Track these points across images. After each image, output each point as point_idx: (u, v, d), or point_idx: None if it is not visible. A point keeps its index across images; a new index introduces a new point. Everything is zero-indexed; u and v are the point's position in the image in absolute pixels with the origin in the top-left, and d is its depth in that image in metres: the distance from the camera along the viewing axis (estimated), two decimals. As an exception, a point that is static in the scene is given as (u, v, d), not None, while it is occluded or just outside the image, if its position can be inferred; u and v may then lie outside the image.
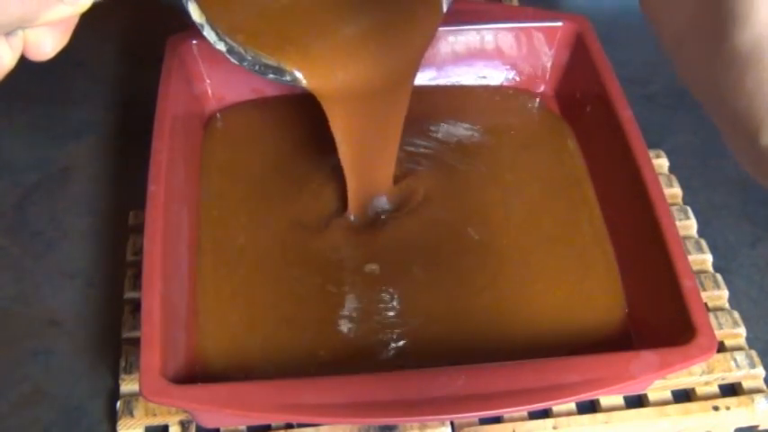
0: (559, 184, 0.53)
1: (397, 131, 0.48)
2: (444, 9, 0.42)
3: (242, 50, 0.39)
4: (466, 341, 0.46)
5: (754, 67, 0.21)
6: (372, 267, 0.47)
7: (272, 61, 0.40)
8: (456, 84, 0.60)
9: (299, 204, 0.52)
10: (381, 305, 0.47)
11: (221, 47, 0.39)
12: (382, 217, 0.51)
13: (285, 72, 0.40)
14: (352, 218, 0.51)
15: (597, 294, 0.48)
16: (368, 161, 0.49)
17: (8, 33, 0.27)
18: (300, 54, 0.41)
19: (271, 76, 0.40)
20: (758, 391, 0.47)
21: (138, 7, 0.67)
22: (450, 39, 0.58)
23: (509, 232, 0.51)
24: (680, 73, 0.25)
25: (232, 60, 0.40)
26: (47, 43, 0.29)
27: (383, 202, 0.51)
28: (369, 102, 0.45)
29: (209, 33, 0.39)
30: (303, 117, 0.56)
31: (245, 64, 0.40)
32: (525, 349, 0.44)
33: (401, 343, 0.46)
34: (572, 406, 0.46)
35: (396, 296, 0.48)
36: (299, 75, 0.40)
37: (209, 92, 0.57)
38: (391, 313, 0.47)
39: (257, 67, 0.40)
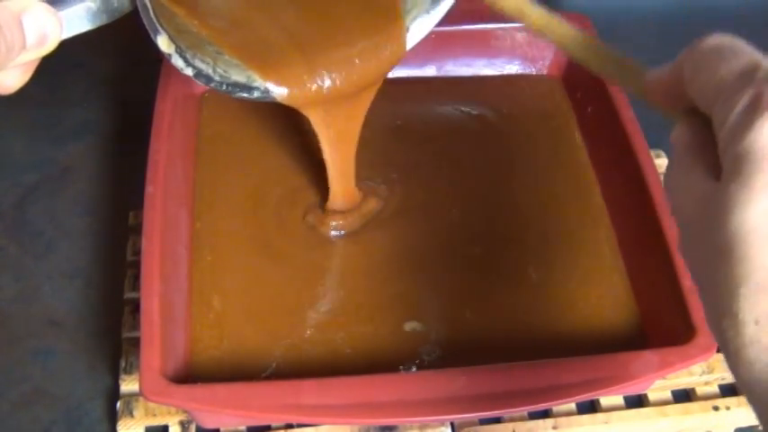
0: (571, 188, 0.53)
1: (355, 144, 0.48)
2: (408, 47, 0.42)
3: (210, 72, 0.40)
4: (486, 344, 0.46)
5: (732, 269, 0.24)
6: (414, 325, 0.47)
7: (241, 78, 0.40)
8: (456, 77, 0.60)
9: (295, 202, 0.52)
10: (392, 307, 0.47)
11: (189, 72, 0.40)
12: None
13: (253, 89, 0.40)
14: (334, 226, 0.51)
15: (612, 299, 0.48)
16: (348, 165, 0.49)
17: None
18: (277, 66, 0.41)
19: (239, 94, 0.40)
20: (758, 391, 0.47)
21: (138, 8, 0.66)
22: (449, 38, 0.58)
23: (528, 244, 0.50)
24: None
25: (199, 83, 0.40)
26: (10, 81, 0.30)
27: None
28: (337, 108, 0.45)
29: (176, 60, 0.40)
30: (300, 121, 0.56)
31: (213, 84, 0.40)
32: (545, 351, 0.44)
33: (419, 343, 0.46)
34: (572, 406, 0.46)
35: (414, 297, 0.48)
36: (275, 89, 0.40)
37: (208, 92, 0.57)
38: (404, 314, 0.47)
39: (225, 87, 0.40)
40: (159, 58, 0.53)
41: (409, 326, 0.46)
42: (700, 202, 0.25)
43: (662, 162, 0.57)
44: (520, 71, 0.60)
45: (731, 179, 0.24)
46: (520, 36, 0.59)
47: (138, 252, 0.45)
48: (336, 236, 0.50)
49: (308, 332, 0.46)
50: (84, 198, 0.56)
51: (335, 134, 0.46)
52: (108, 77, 0.64)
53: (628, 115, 0.51)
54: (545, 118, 0.58)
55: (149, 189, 0.46)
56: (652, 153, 0.50)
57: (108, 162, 0.58)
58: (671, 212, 0.28)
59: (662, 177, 0.49)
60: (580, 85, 0.58)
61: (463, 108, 0.58)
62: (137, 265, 0.44)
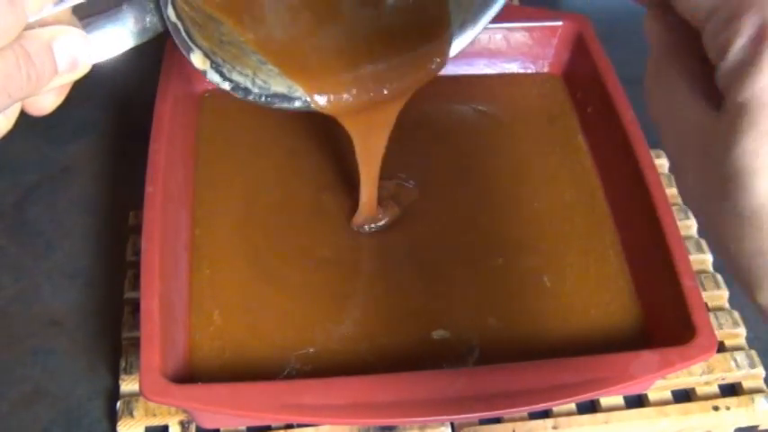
0: (578, 192, 0.53)
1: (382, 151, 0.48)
2: (450, 54, 0.42)
3: (249, 84, 0.40)
4: (510, 349, 0.46)
5: (754, 234, 0.22)
6: (442, 333, 0.46)
7: (281, 88, 0.40)
8: (457, 76, 0.60)
9: (298, 202, 0.52)
10: (396, 307, 0.47)
11: (226, 86, 0.39)
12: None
13: (294, 99, 0.40)
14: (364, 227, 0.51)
15: (618, 302, 0.48)
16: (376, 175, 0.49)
17: None
18: (319, 75, 0.41)
19: (279, 104, 0.40)
20: (758, 391, 0.47)
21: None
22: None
23: (542, 252, 0.50)
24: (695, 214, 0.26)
25: (237, 96, 0.40)
26: (45, 103, 0.30)
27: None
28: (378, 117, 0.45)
29: (212, 76, 0.39)
30: (300, 122, 0.56)
31: (251, 97, 0.40)
32: (557, 354, 0.44)
33: (447, 350, 0.46)
34: (572, 406, 0.46)
35: (421, 294, 0.48)
36: (316, 99, 0.40)
37: (208, 92, 0.57)
38: (432, 322, 0.47)
39: (264, 99, 0.40)
40: (159, 57, 0.53)
41: (438, 334, 0.46)
42: (698, 134, 0.23)
43: (662, 162, 0.57)
44: (521, 70, 0.60)
45: (738, 121, 0.22)
46: (520, 35, 0.58)
47: (138, 252, 0.45)
48: (344, 248, 0.50)
49: (325, 345, 0.45)
50: (84, 198, 0.56)
51: (370, 139, 0.46)
52: (108, 77, 0.64)
53: (628, 115, 0.51)
54: (549, 119, 0.58)
55: (149, 189, 0.46)
56: (652, 153, 0.50)
57: (108, 162, 0.58)
58: (662, 139, 0.25)
59: (662, 178, 0.49)
60: (580, 84, 0.58)
61: (469, 106, 0.58)
62: (137, 265, 0.44)
